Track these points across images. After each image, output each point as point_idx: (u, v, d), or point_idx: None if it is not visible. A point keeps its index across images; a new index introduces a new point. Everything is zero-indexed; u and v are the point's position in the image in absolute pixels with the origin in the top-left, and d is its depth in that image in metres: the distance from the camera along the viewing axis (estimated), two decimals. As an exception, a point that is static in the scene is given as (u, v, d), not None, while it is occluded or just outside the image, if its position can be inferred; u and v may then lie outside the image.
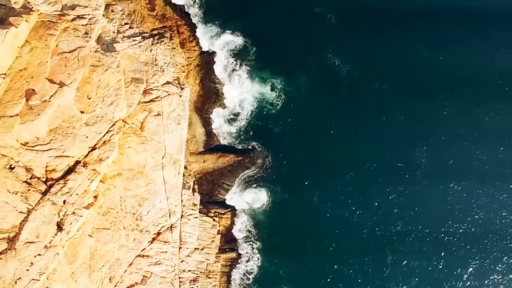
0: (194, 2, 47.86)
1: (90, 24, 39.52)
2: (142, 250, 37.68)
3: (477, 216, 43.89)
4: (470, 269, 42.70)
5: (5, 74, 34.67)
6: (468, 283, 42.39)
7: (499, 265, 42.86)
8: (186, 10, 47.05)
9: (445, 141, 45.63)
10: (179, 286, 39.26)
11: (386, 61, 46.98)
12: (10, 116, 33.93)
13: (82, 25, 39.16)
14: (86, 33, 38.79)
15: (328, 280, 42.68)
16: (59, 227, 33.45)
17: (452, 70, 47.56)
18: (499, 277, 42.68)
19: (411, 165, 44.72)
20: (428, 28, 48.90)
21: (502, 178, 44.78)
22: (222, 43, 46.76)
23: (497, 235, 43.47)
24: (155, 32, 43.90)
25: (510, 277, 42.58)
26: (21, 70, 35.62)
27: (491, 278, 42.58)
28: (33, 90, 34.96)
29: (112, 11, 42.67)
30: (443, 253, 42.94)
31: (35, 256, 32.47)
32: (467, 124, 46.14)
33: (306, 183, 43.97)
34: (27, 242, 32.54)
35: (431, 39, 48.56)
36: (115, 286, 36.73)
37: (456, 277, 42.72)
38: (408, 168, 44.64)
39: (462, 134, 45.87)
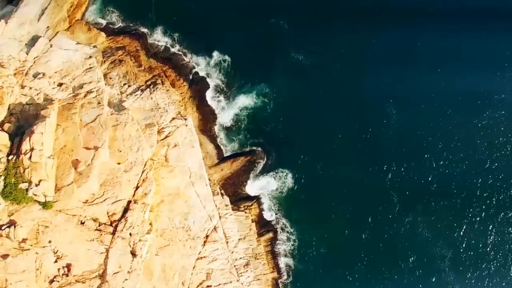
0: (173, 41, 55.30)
1: (99, 94, 46.28)
2: (199, 254, 45.13)
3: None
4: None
5: (52, 155, 43.18)
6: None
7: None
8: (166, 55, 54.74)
9: (411, 99, 53.88)
10: (237, 272, 48.09)
11: (338, 44, 54.75)
12: (68, 185, 41.47)
13: (93, 97, 45.80)
14: (98, 103, 45.68)
15: (358, 237, 50.31)
16: (133, 254, 40.95)
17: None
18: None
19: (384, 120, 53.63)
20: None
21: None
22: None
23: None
24: (149, 82, 51.56)
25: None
26: (62, 148, 42.65)
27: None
28: (77, 159, 41.87)
29: (110, 78, 50.67)
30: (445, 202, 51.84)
31: (123, 281, 39.96)
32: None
33: (306, 159, 51.45)
34: (114, 273, 39.94)
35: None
36: (188, 287, 45.62)
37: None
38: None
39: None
